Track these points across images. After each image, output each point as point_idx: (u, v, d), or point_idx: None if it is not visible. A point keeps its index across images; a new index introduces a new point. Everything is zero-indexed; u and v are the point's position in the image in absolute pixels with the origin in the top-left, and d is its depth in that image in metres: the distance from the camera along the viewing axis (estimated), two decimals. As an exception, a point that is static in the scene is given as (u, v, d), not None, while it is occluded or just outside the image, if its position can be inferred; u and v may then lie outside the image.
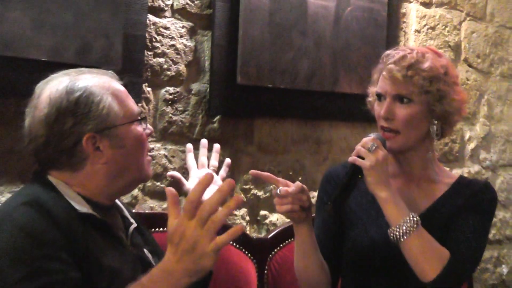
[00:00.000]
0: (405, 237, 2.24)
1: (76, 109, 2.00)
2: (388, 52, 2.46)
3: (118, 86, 2.10)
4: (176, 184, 2.45)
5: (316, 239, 2.45)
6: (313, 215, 2.45)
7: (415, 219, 2.25)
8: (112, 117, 2.03)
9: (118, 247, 2.08)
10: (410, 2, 3.75)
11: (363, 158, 2.24)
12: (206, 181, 1.76)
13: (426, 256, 2.27)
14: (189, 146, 2.56)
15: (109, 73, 2.14)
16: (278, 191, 2.26)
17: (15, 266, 1.83)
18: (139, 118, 2.12)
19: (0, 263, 1.84)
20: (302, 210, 2.27)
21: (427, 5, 3.81)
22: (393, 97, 2.36)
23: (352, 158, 2.26)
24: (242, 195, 3.15)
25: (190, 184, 2.43)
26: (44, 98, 2.01)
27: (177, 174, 2.47)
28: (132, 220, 2.23)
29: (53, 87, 2.02)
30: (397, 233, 2.25)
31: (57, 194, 2.01)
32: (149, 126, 2.17)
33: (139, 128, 2.10)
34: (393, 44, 3.55)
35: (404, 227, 2.24)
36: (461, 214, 2.40)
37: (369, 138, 2.29)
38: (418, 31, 3.78)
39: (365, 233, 2.44)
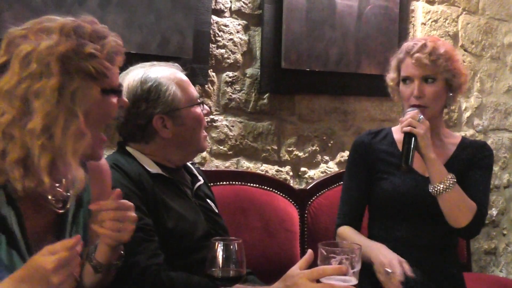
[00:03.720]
0: (444, 192, 2.26)
1: (148, 96, 2.05)
2: (406, 44, 2.45)
3: (182, 76, 2.13)
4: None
5: (350, 195, 2.50)
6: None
7: (454, 178, 2.27)
8: (176, 102, 2.07)
9: (183, 198, 2.13)
10: (417, 1, 3.70)
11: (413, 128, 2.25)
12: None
13: (460, 208, 2.30)
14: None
15: (175, 65, 2.18)
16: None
17: None
18: (198, 102, 2.15)
19: None
20: None
21: (431, 2, 3.77)
22: (421, 78, 2.36)
23: (408, 128, 2.25)
24: (287, 155, 3.19)
25: None
26: (124, 87, 2.04)
27: None
28: (200, 178, 2.26)
29: (131, 77, 2.08)
30: (439, 188, 2.27)
31: (132, 160, 2.07)
32: (206, 106, 2.18)
33: (197, 109, 2.13)
34: (404, 35, 3.55)
35: (446, 184, 2.26)
36: (470, 171, 2.41)
37: (415, 112, 2.30)
38: (424, 24, 3.74)
39: (391, 183, 2.44)
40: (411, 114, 2.30)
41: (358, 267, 1.75)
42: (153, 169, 2.08)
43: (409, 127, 2.25)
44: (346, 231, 2.50)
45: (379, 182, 2.47)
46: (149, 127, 2.07)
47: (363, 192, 2.52)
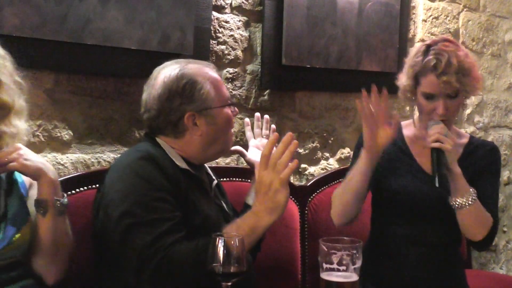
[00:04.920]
0: (466, 207, 2.23)
1: (183, 92, 2.06)
2: (427, 58, 2.32)
3: (216, 76, 2.15)
4: (240, 156, 2.47)
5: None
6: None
7: (475, 194, 2.24)
8: (209, 101, 2.08)
9: (206, 196, 2.14)
10: (418, -3, 3.72)
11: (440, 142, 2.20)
12: (274, 138, 1.88)
13: (478, 222, 2.28)
14: (247, 120, 2.56)
15: (211, 65, 2.21)
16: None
17: (139, 206, 1.92)
18: (230, 103, 2.16)
19: (126, 204, 1.92)
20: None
21: (431, -1, 3.80)
22: (445, 95, 2.29)
23: (436, 144, 2.19)
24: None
25: (250, 154, 2.42)
26: (160, 80, 2.08)
27: (239, 148, 2.43)
28: (214, 177, 2.27)
29: (167, 72, 2.09)
30: (461, 203, 2.23)
31: (163, 152, 2.08)
32: (235, 108, 2.20)
33: (228, 110, 2.14)
34: (404, 31, 3.54)
35: (467, 199, 2.23)
36: (480, 177, 2.37)
37: (441, 126, 2.25)
38: (424, 21, 3.74)
39: (400, 182, 2.41)
40: (437, 129, 2.25)
41: (359, 263, 1.75)
42: (182, 164, 2.08)
43: (437, 143, 2.20)
44: (335, 191, 2.45)
45: (386, 179, 2.44)
46: (180, 123, 2.08)
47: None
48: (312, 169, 3.29)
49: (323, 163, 3.33)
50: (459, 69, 2.28)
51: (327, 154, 3.35)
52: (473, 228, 2.29)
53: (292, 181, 3.16)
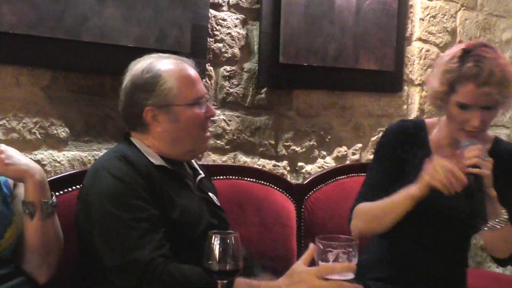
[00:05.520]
0: (496, 229, 2.14)
1: (144, 86, 2.06)
2: (467, 65, 2.14)
3: (189, 73, 2.11)
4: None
5: (375, 183, 2.35)
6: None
7: (506, 214, 2.15)
8: (170, 98, 2.06)
9: (186, 190, 2.13)
10: (416, -4, 3.71)
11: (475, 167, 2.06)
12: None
13: (505, 242, 2.20)
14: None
15: (189, 61, 2.16)
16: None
17: (115, 205, 1.93)
18: (197, 102, 2.10)
19: (104, 204, 1.94)
20: None
21: (429, -2, 3.79)
22: (482, 107, 2.14)
23: (476, 170, 2.04)
24: (284, 150, 3.20)
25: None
26: (129, 73, 2.10)
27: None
28: (200, 171, 2.26)
29: (138, 65, 2.10)
30: (493, 225, 2.13)
31: (138, 151, 2.07)
32: (212, 108, 2.16)
33: (197, 109, 2.10)
34: (402, 30, 3.54)
35: (500, 221, 2.13)
36: (508, 189, 2.22)
37: (479, 149, 2.10)
38: (422, 19, 3.74)
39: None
40: (474, 151, 2.10)
41: (355, 261, 1.76)
42: (157, 160, 2.08)
43: (476, 169, 2.06)
44: (363, 205, 2.32)
45: (404, 185, 2.24)
46: (141, 117, 2.08)
47: (389, 181, 2.34)
48: (309, 167, 3.29)
49: (320, 161, 3.33)
50: (502, 80, 2.12)
51: (324, 153, 3.35)
52: (500, 247, 2.23)
53: (289, 179, 3.17)
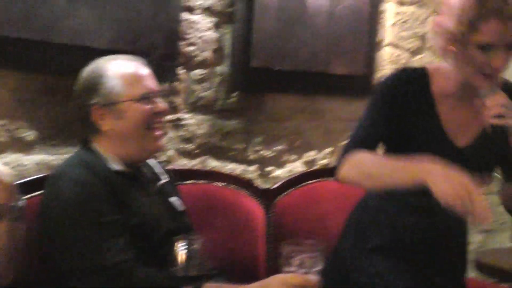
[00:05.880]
0: None
1: (87, 87, 2.05)
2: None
3: (136, 70, 2.09)
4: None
5: (373, 130, 2.11)
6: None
7: None
8: (114, 95, 2.04)
9: (147, 195, 2.12)
10: (388, 2, 3.71)
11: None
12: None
13: None
14: None
15: (139, 59, 2.14)
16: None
17: (77, 211, 1.92)
18: (143, 98, 2.07)
19: (66, 209, 1.93)
20: None
21: (401, 3, 3.79)
22: (507, 46, 1.90)
23: (498, 120, 1.85)
24: (254, 155, 3.19)
25: None
26: (78, 79, 2.09)
27: None
28: (162, 176, 2.24)
29: (85, 69, 2.10)
30: None
31: (95, 156, 2.06)
32: (161, 104, 2.12)
33: (144, 106, 2.07)
34: (373, 35, 3.55)
35: None
36: None
37: (503, 97, 1.90)
38: (393, 24, 3.77)
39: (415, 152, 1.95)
40: (498, 99, 1.89)
41: (320, 266, 1.75)
42: (115, 165, 2.07)
43: (501, 119, 1.86)
44: (362, 156, 2.02)
45: (408, 152, 1.97)
46: (90, 118, 2.06)
47: (388, 127, 2.09)
48: (278, 172, 3.29)
49: (289, 165, 3.33)
50: None
51: (294, 157, 3.36)
52: None
53: (258, 183, 3.16)
